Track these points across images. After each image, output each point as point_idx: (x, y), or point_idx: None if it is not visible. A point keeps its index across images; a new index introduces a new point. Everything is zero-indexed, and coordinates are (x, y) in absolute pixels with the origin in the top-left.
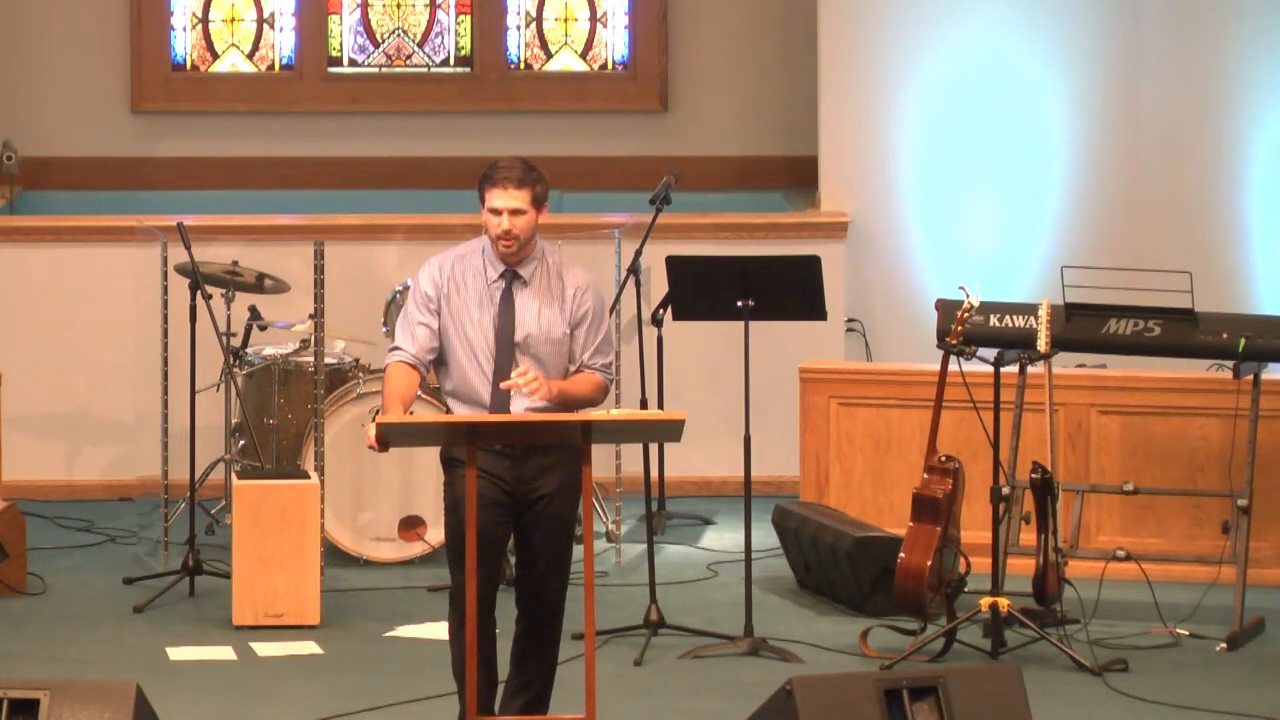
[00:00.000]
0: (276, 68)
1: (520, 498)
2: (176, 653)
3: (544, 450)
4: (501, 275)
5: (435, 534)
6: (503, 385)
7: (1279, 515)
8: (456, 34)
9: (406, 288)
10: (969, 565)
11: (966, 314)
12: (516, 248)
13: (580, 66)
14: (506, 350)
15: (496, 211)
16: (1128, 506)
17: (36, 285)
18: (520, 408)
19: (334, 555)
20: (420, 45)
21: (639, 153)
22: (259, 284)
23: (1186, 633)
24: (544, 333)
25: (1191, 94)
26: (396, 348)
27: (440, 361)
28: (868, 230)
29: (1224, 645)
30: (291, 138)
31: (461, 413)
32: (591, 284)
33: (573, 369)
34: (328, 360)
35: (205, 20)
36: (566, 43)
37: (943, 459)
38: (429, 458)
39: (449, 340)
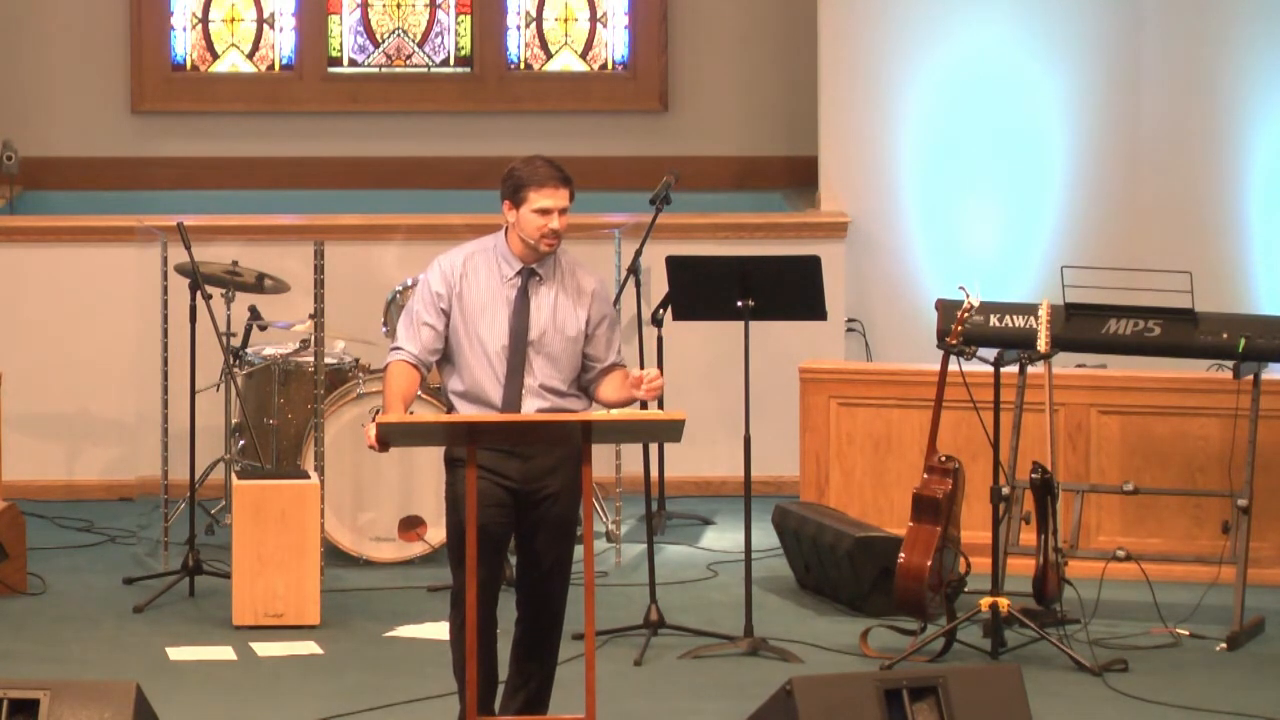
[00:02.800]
0: (276, 68)
1: (525, 497)
2: (176, 653)
3: (548, 449)
4: (519, 273)
5: (435, 534)
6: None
7: (1279, 515)
8: (456, 34)
9: (407, 287)
10: (969, 565)
11: (966, 314)
12: (558, 247)
13: (580, 66)
14: (520, 348)
15: (546, 212)
16: (1128, 506)
17: (36, 285)
18: (530, 409)
19: (334, 555)
20: (420, 45)
21: (639, 153)
22: (259, 284)
23: (1186, 633)
24: (559, 330)
25: (1191, 94)
26: (398, 347)
27: (446, 359)
28: (868, 230)
29: (1224, 645)
30: (291, 138)
31: (468, 413)
32: (602, 284)
33: (599, 367)
34: (328, 360)
35: (205, 20)
36: (566, 43)
37: (943, 459)
38: (429, 458)
39: (458, 339)
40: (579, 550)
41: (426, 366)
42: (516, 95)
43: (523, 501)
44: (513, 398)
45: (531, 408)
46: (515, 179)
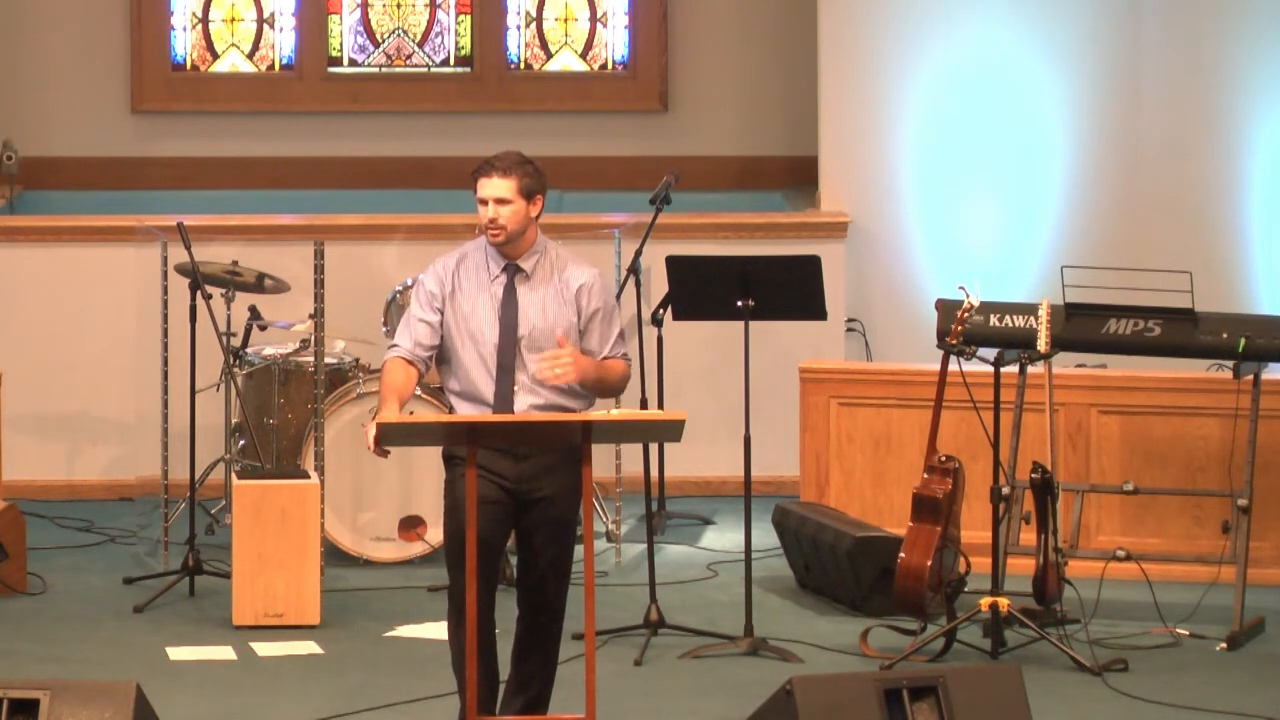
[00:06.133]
0: (276, 68)
1: (520, 497)
2: (176, 653)
3: (545, 449)
4: (504, 270)
5: (435, 534)
6: (540, 372)
7: (1279, 515)
8: (456, 34)
9: (407, 287)
10: (969, 565)
11: (966, 314)
12: (505, 238)
13: (580, 66)
14: (510, 344)
15: (483, 201)
16: (1128, 506)
17: (36, 285)
18: (524, 406)
19: (334, 555)
20: (420, 45)
21: (639, 153)
22: (259, 284)
23: (1186, 633)
24: (548, 325)
25: (1191, 94)
26: (394, 344)
27: (443, 360)
28: (868, 230)
29: (1224, 645)
30: (291, 138)
31: (466, 412)
32: (597, 279)
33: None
34: (328, 360)
35: (205, 20)
36: (566, 43)
37: (943, 459)
38: (429, 458)
39: (452, 338)
40: (579, 550)
41: (423, 363)
42: (516, 95)
43: (519, 501)
44: (505, 394)
45: (525, 404)
46: (473, 171)
